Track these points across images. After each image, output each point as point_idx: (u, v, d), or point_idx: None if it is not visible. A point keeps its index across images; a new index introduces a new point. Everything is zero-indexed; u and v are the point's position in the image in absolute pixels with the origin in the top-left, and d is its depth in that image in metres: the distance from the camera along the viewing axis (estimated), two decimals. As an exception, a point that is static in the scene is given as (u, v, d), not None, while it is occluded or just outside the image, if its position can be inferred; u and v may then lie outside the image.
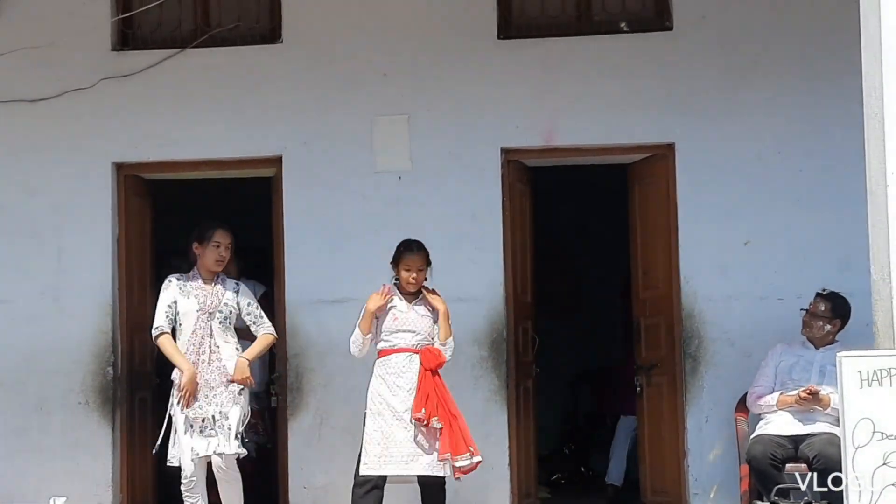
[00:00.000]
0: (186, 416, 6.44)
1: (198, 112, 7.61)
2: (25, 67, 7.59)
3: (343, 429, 7.25)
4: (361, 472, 6.39)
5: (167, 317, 6.55)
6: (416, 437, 6.37)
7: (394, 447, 6.37)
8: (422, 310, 6.55)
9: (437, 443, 6.37)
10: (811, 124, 7.43)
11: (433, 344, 6.53)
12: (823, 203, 7.35)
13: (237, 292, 6.68)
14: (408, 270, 6.52)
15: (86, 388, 7.49)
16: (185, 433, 6.45)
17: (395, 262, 6.57)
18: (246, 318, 6.70)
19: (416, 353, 6.47)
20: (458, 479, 6.44)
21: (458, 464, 6.36)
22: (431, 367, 6.42)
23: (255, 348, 6.69)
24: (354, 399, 6.79)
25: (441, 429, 6.35)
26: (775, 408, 6.81)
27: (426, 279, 6.57)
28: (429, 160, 7.51)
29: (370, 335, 6.50)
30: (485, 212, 7.47)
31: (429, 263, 6.56)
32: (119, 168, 7.67)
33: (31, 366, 7.51)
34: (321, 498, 7.34)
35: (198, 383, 6.44)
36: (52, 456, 7.45)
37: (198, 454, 6.44)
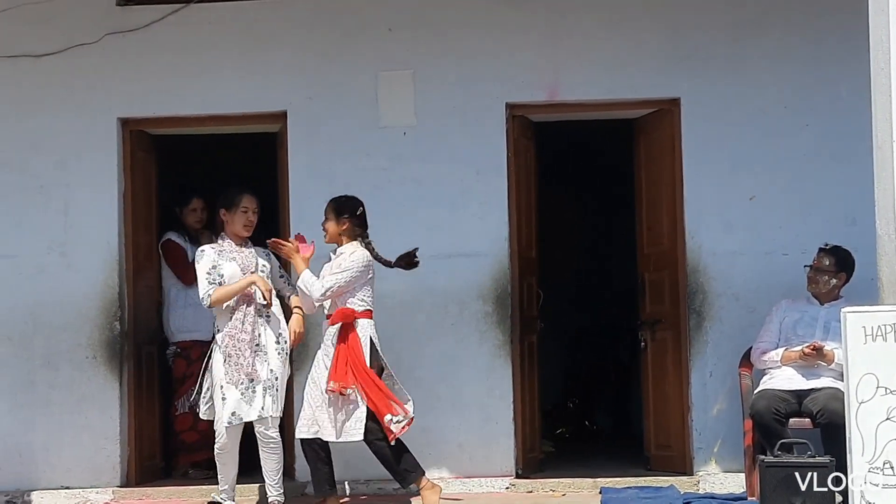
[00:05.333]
0: (232, 379, 6.47)
1: (203, 67, 7.59)
2: (30, 22, 7.57)
3: (348, 382, 7.28)
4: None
5: (209, 281, 6.53)
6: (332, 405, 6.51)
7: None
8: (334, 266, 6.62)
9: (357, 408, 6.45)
10: (817, 79, 7.40)
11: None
12: (829, 158, 7.35)
13: (268, 256, 6.76)
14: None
15: (93, 342, 7.51)
16: (226, 396, 6.47)
17: None
18: (279, 281, 6.77)
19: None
20: (392, 441, 6.45)
21: (392, 426, 6.41)
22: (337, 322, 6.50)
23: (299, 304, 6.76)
24: (360, 354, 6.81)
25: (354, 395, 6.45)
26: (779, 363, 6.83)
27: (348, 230, 6.61)
28: (433, 115, 7.49)
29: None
30: (489, 167, 7.46)
31: (338, 215, 6.62)
32: (124, 123, 7.65)
33: (38, 321, 7.52)
34: (327, 451, 7.39)
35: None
36: (61, 410, 7.49)
37: (241, 418, 6.48)
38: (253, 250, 6.71)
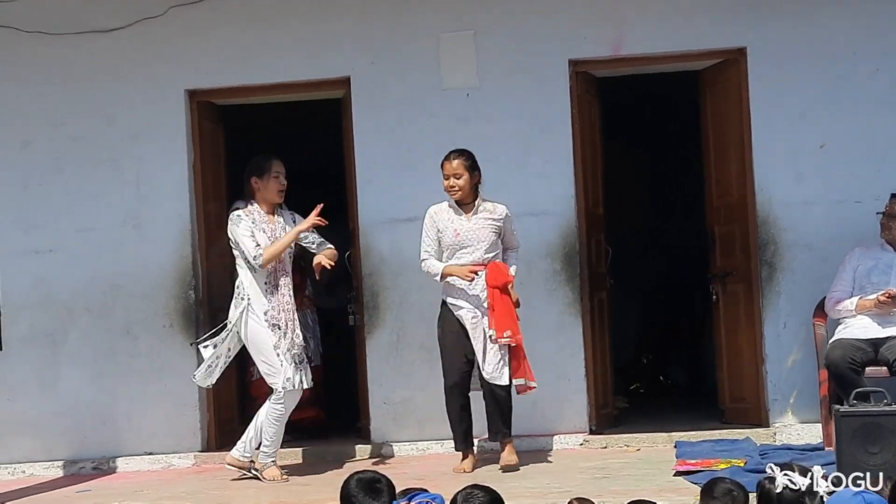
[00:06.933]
0: (284, 348, 6.61)
1: (266, 36, 7.65)
2: (97, -2, 7.72)
3: (420, 345, 7.34)
4: (448, 384, 6.60)
5: (256, 242, 6.61)
6: (487, 350, 6.52)
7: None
8: (479, 221, 6.58)
9: (506, 355, 6.53)
10: (887, 22, 7.29)
11: (500, 258, 6.61)
12: (901, 103, 7.22)
13: (295, 221, 6.79)
14: (446, 178, 6.59)
15: (169, 311, 7.65)
16: (284, 363, 6.63)
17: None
18: (309, 245, 6.80)
19: (483, 266, 6.55)
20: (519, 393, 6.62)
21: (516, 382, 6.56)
22: (498, 286, 6.49)
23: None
24: (429, 315, 6.86)
25: (514, 349, 6.51)
26: (854, 312, 6.76)
27: (477, 184, 6.61)
28: (496, 75, 7.48)
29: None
30: (554, 125, 7.44)
31: (472, 169, 6.58)
32: (192, 95, 7.75)
33: (117, 292, 7.68)
34: (401, 412, 7.47)
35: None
36: (141, 378, 7.65)
37: (299, 384, 6.64)
38: (282, 218, 6.76)
